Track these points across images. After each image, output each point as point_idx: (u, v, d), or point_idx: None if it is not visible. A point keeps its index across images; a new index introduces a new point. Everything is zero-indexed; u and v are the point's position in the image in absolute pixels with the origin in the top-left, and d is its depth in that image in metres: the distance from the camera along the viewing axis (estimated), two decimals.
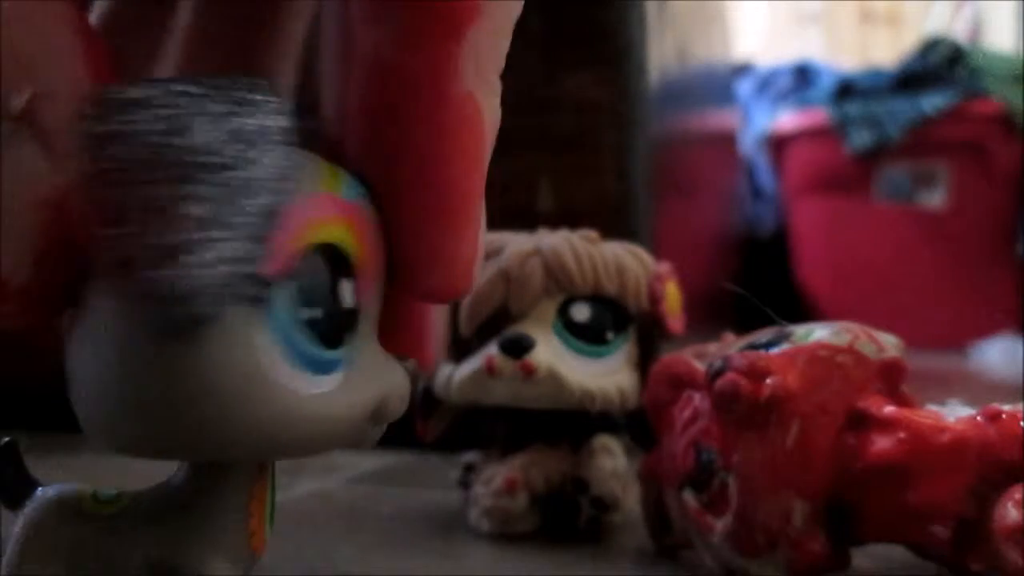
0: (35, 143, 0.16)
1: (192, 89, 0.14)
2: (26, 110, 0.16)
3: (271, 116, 0.15)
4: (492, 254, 0.32)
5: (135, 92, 0.14)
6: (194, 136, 0.14)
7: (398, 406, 0.17)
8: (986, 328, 1.09)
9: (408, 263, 0.17)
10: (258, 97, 0.14)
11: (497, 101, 0.17)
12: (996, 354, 1.02)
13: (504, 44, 0.17)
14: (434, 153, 0.16)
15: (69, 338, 0.16)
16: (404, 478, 0.42)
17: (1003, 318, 1.10)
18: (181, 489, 0.17)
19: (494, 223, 0.33)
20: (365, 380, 0.16)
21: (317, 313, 0.15)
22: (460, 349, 0.32)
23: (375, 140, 0.17)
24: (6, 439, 0.20)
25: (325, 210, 0.16)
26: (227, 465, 0.17)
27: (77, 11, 0.17)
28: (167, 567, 0.17)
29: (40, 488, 0.19)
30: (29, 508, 0.18)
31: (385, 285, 0.17)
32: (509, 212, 0.47)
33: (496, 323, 0.31)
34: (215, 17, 0.20)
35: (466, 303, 0.32)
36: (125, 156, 0.14)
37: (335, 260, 0.16)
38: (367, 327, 0.17)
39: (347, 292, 0.16)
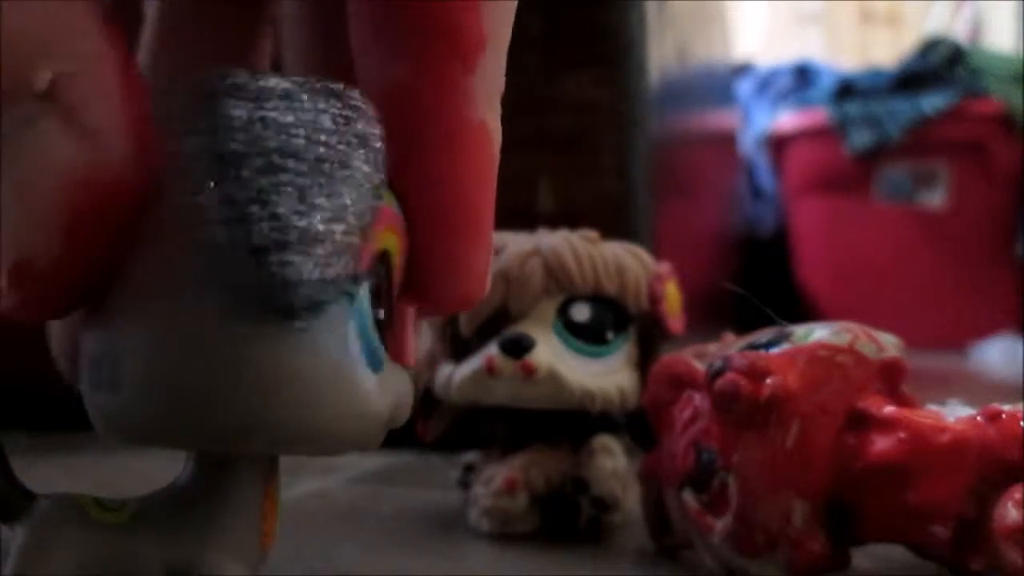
0: (60, 122, 0.15)
1: (323, 90, 0.15)
2: (49, 89, 0.16)
3: (375, 124, 0.15)
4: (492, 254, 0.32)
5: (283, 84, 0.14)
6: (327, 133, 0.14)
7: (408, 408, 0.18)
8: (986, 328, 1.10)
9: (424, 275, 0.18)
10: (367, 106, 0.15)
11: (499, 121, 0.18)
12: (996, 354, 1.02)
13: (503, 69, 0.18)
14: (452, 176, 0.17)
15: (110, 320, 0.15)
16: (404, 478, 0.42)
17: (1003, 318, 1.10)
18: (192, 491, 0.17)
19: (495, 223, 0.33)
20: (389, 383, 0.17)
21: (388, 314, 0.16)
22: (460, 349, 0.32)
23: (392, 162, 0.17)
24: None
25: (387, 219, 0.16)
26: (239, 466, 0.17)
27: None
28: (184, 570, 0.17)
29: (39, 499, 0.18)
30: (32, 520, 0.17)
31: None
32: (509, 212, 0.47)
33: (496, 323, 0.31)
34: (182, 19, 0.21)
35: None
36: (274, 144, 0.14)
37: (391, 266, 0.17)
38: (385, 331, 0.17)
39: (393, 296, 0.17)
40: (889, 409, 0.24)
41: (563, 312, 0.31)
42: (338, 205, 0.14)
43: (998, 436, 0.22)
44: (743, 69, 1.40)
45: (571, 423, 0.32)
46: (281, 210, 0.14)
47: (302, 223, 0.14)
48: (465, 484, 0.34)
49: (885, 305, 1.14)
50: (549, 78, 0.47)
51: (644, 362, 0.32)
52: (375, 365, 0.16)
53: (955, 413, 0.24)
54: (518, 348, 0.30)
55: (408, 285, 0.18)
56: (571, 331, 0.31)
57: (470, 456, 0.34)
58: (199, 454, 0.17)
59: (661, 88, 0.54)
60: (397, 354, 0.18)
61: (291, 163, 0.14)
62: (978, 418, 0.23)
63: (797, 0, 1.91)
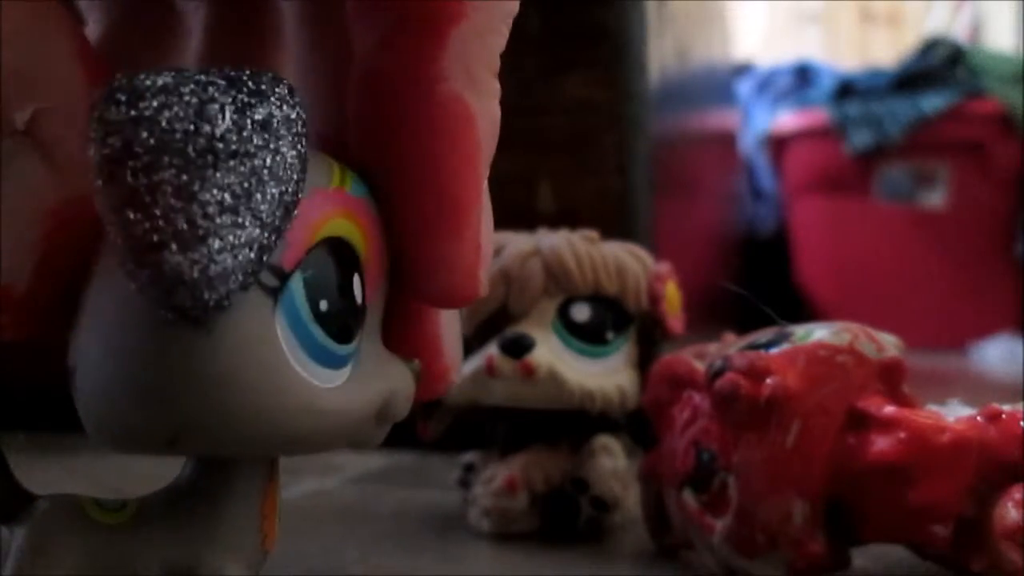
0: (37, 156, 0.16)
1: (218, 78, 0.14)
2: (28, 124, 0.16)
3: (291, 108, 0.15)
4: (492, 254, 0.32)
5: (162, 79, 0.14)
6: (221, 124, 0.14)
7: (403, 406, 0.17)
8: (986, 328, 1.10)
9: (409, 267, 0.17)
10: (279, 89, 0.15)
11: (494, 103, 0.17)
12: (996, 354, 1.02)
13: (496, 44, 0.17)
14: (424, 155, 0.17)
15: (74, 336, 0.15)
16: (404, 478, 0.42)
17: (1003, 318, 1.10)
18: (192, 492, 0.17)
19: (495, 223, 0.33)
20: (371, 378, 0.16)
21: (330, 307, 0.15)
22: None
23: (368, 143, 0.17)
24: None
25: (336, 204, 0.16)
26: (239, 466, 0.17)
27: (73, 25, 0.17)
28: (184, 571, 0.17)
29: (38, 499, 0.18)
30: (31, 521, 0.17)
31: (390, 289, 0.17)
32: (509, 212, 0.47)
33: (496, 323, 0.31)
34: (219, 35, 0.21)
35: None
36: (151, 141, 0.13)
37: (345, 255, 0.16)
38: (373, 325, 0.17)
39: (358, 288, 0.16)
40: (889, 409, 0.24)
41: (563, 312, 0.31)
42: (227, 198, 0.14)
43: (998, 436, 0.23)
44: (743, 69, 1.40)
45: (571, 423, 0.32)
46: (157, 210, 0.13)
47: (180, 222, 0.13)
48: (465, 484, 0.34)
49: (885, 305, 1.15)
50: (549, 78, 0.47)
51: (644, 362, 0.32)
52: (327, 360, 0.15)
53: (955, 413, 0.24)
54: (518, 348, 0.30)
55: (397, 279, 0.17)
56: (571, 331, 0.31)
57: (470, 456, 0.34)
58: (200, 457, 0.17)
59: (661, 88, 0.54)
60: (413, 350, 0.18)
61: (166, 159, 0.13)
62: (978, 418, 0.23)
63: (797, 0, 1.91)
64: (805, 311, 1.23)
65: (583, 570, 0.29)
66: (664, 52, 0.56)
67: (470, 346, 0.32)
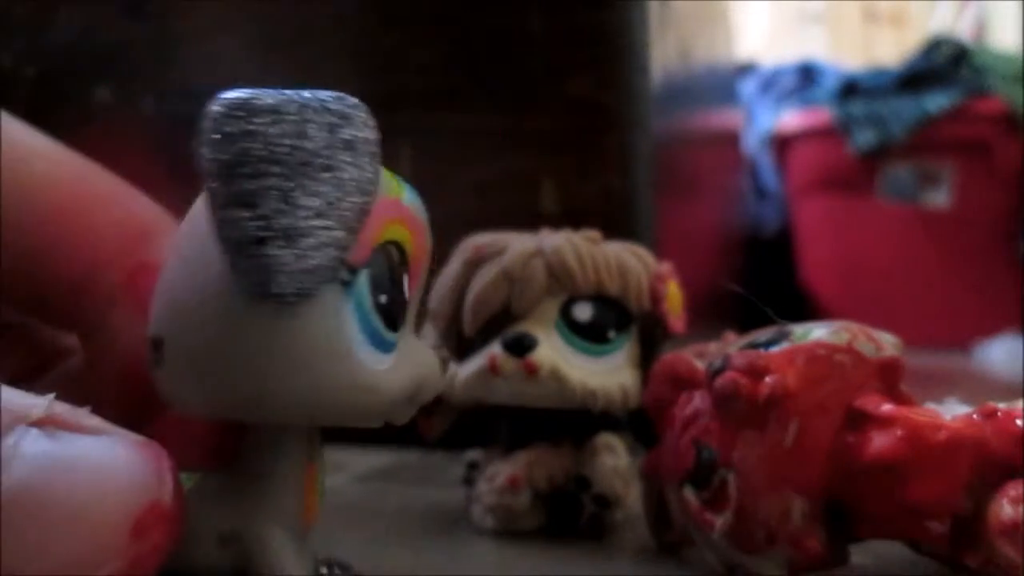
0: (134, 309, 0.19)
1: (312, 102, 0.17)
2: (128, 281, 0.20)
3: (370, 130, 0.17)
4: (495, 254, 0.32)
5: (271, 99, 0.17)
6: (316, 141, 0.17)
7: (433, 389, 0.20)
8: (990, 327, 1.09)
9: None
10: (361, 114, 0.17)
11: None
12: (999, 353, 1.02)
13: None
14: None
15: (155, 312, 0.18)
16: (408, 476, 0.42)
17: (1007, 317, 1.10)
18: (242, 466, 0.19)
19: (496, 223, 0.34)
20: (408, 362, 0.19)
21: (386, 299, 0.18)
22: (463, 348, 0.32)
23: None
24: None
25: (395, 212, 0.18)
26: (282, 442, 0.19)
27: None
28: (233, 536, 0.19)
29: None
30: None
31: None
32: (511, 212, 0.48)
33: (499, 322, 0.32)
34: None
35: (469, 303, 0.32)
36: (262, 152, 0.16)
37: (398, 256, 0.19)
38: (409, 317, 0.19)
39: (406, 284, 0.19)
40: (887, 407, 0.24)
41: (565, 311, 0.32)
42: (321, 204, 0.17)
43: (994, 433, 0.23)
44: (747, 68, 1.40)
45: (573, 421, 0.33)
46: (265, 211, 0.16)
47: (284, 221, 0.16)
48: (468, 482, 0.34)
49: (889, 304, 1.15)
50: (551, 78, 0.48)
51: (646, 361, 0.32)
52: (380, 345, 0.18)
53: (952, 411, 0.24)
54: (521, 347, 0.31)
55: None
56: (573, 330, 0.32)
57: (473, 454, 0.35)
58: (250, 434, 0.19)
59: (664, 88, 0.55)
60: None
61: (275, 169, 0.16)
62: (975, 416, 0.23)
63: None
64: (809, 310, 1.23)
65: (585, 566, 0.29)
66: (667, 52, 0.57)
67: (473, 345, 0.32)
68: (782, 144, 1.34)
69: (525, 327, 0.31)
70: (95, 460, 0.15)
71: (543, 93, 0.47)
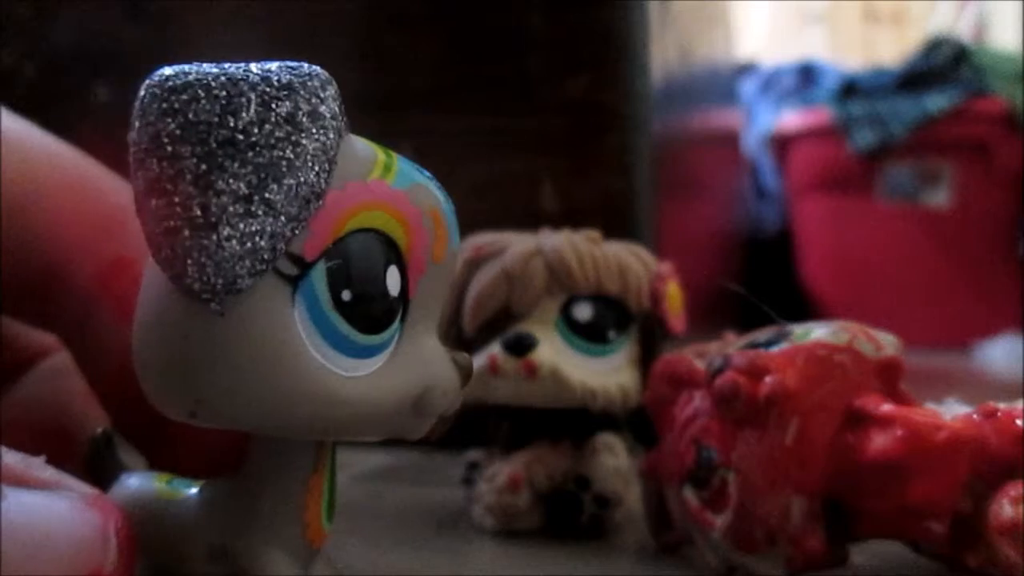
0: (114, 307, 0.18)
1: (251, 73, 0.15)
2: (103, 275, 0.18)
3: (321, 102, 0.15)
4: (495, 254, 0.32)
5: (195, 74, 0.15)
6: (244, 117, 0.15)
7: (442, 399, 0.17)
8: (990, 327, 1.10)
9: None
10: (312, 83, 0.15)
11: None
12: (999, 353, 1.02)
13: None
14: None
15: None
16: (408, 475, 0.42)
17: (1006, 317, 1.10)
18: (243, 479, 0.18)
19: (496, 223, 0.34)
20: (407, 370, 0.17)
21: (354, 297, 0.16)
22: (463, 348, 0.32)
23: None
24: (103, 428, 0.21)
25: (372, 196, 0.16)
26: (286, 457, 0.17)
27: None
28: (226, 553, 0.17)
29: (124, 474, 0.20)
30: (111, 492, 0.19)
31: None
32: (512, 212, 0.47)
33: (499, 322, 0.32)
34: None
35: (469, 302, 0.32)
36: (177, 132, 0.14)
37: (381, 247, 0.16)
38: (419, 318, 0.17)
39: (393, 280, 0.16)
40: (886, 407, 0.24)
41: (565, 311, 0.32)
42: (243, 188, 0.15)
43: (994, 433, 0.23)
44: (747, 68, 1.40)
45: (573, 421, 0.33)
46: (176, 197, 0.14)
47: (194, 208, 0.14)
48: (468, 481, 0.34)
49: (889, 304, 1.15)
50: (551, 78, 0.48)
51: (645, 361, 0.32)
52: (348, 349, 0.16)
53: (952, 411, 0.24)
54: (521, 347, 0.31)
55: None
56: (573, 330, 0.32)
57: (473, 454, 0.35)
58: (253, 442, 0.18)
59: (664, 88, 0.55)
60: None
61: (188, 149, 0.14)
62: (974, 416, 0.23)
63: None
64: (809, 310, 1.23)
65: (585, 566, 0.29)
66: (667, 52, 0.57)
67: (473, 345, 0.32)
68: (782, 144, 1.34)
69: (525, 327, 0.31)
70: (35, 522, 0.14)
71: (543, 93, 0.47)
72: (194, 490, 0.18)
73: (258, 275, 0.15)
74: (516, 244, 0.32)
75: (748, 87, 1.39)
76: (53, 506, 0.14)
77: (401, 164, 0.17)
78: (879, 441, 0.24)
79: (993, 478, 0.23)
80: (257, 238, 0.15)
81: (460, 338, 0.32)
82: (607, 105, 0.47)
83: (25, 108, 0.21)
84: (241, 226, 0.14)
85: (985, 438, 0.23)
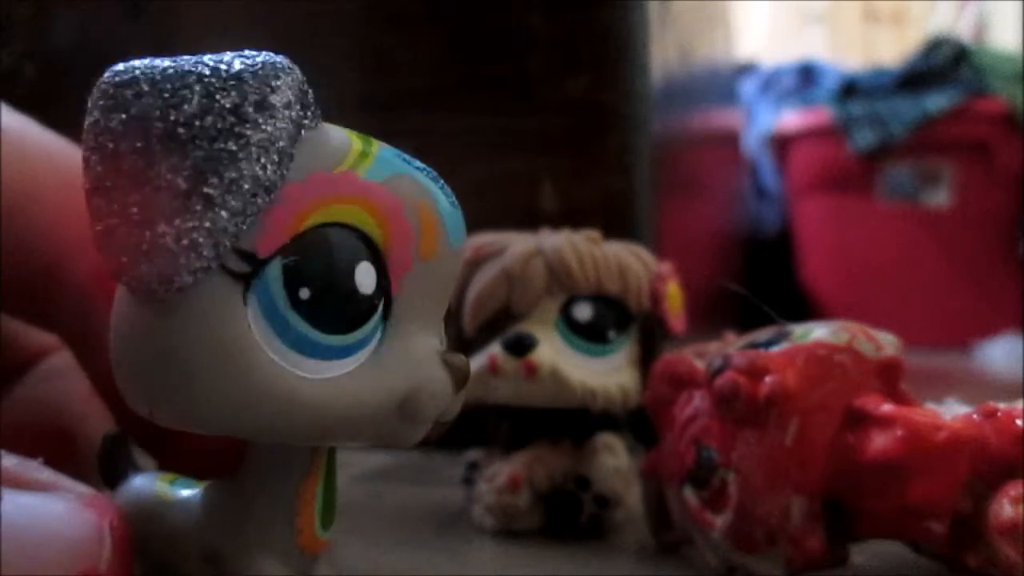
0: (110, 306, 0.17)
1: (202, 66, 0.14)
2: (99, 273, 0.19)
3: (273, 92, 0.15)
4: (495, 254, 0.32)
5: (142, 69, 0.14)
6: (186, 110, 0.14)
7: (431, 403, 0.16)
8: (990, 327, 1.10)
9: None
10: (263, 72, 0.15)
11: None
12: (999, 353, 1.02)
13: None
14: None
15: None
16: (408, 475, 0.42)
17: (1006, 317, 1.10)
18: (238, 482, 0.17)
19: (496, 223, 0.34)
20: (389, 372, 0.16)
21: (314, 295, 0.15)
22: (463, 348, 0.32)
23: None
24: (115, 430, 0.21)
25: (339, 189, 0.15)
26: (278, 461, 0.17)
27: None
28: (218, 558, 0.17)
29: (132, 474, 0.20)
30: (117, 492, 0.19)
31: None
32: (512, 212, 0.47)
33: (499, 322, 0.32)
34: None
35: (469, 302, 0.32)
36: (119, 128, 0.14)
37: (351, 242, 0.15)
38: (407, 317, 0.16)
39: (366, 277, 0.16)
40: (886, 407, 0.24)
41: (565, 311, 0.32)
42: (182, 181, 0.14)
43: (994, 433, 0.23)
44: (747, 68, 1.41)
45: (573, 421, 0.33)
46: (115, 194, 0.14)
47: (131, 206, 0.14)
48: (468, 481, 0.34)
49: (889, 304, 1.14)
50: (551, 78, 0.48)
51: (645, 361, 0.32)
52: (309, 350, 0.15)
53: (952, 411, 0.24)
54: (521, 347, 0.31)
55: None
56: (573, 330, 0.32)
57: (473, 454, 0.35)
58: (247, 446, 0.17)
59: (664, 88, 0.55)
60: None
61: (126, 145, 0.14)
62: (974, 416, 0.23)
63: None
64: (809, 310, 1.23)
65: (585, 566, 0.29)
66: (667, 52, 0.57)
67: (473, 345, 0.32)
68: (782, 144, 1.34)
69: (525, 327, 0.31)
70: (31, 523, 0.14)
71: (543, 93, 0.47)
72: (195, 491, 0.18)
73: (199, 272, 0.14)
74: (516, 244, 0.32)
75: (748, 87, 1.39)
76: (48, 507, 0.14)
77: (382, 154, 0.16)
78: (879, 441, 0.24)
79: (993, 478, 0.23)
80: (195, 234, 0.14)
81: (460, 338, 0.32)
82: (607, 105, 0.47)
83: (25, 108, 0.21)
84: (177, 222, 0.14)
85: (985, 438, 0.23)
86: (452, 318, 0.32)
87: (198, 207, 0.14)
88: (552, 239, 0.32)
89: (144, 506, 0.18)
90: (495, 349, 0.31)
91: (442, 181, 0.17)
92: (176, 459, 0.21)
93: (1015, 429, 0.23)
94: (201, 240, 0.14)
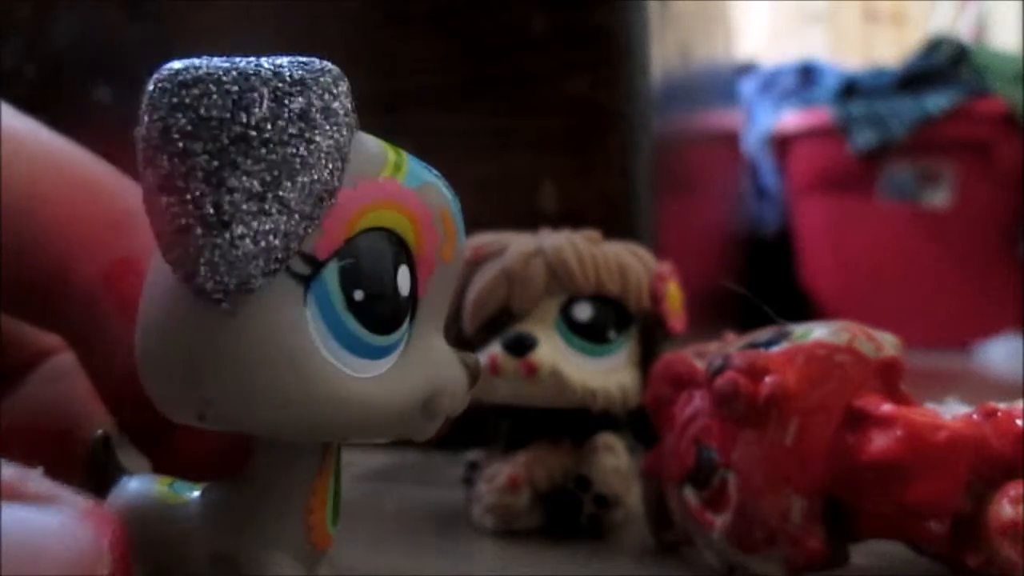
0: (117, 309, 0.17)
1: (263, 68, 0.15)
2: (107, 276, 0.18)
3: (333, 99, 0.15)
4: (495, 254, 0.32)
5: (206, 68, 0.14)
6: (256, 113, 0.14)
7: (450, 401, 0.17)
8: (990, 327, 1.10)
9: None
10: (323, 79, 0.15)
11: None
12: (1000, 353, 1.02)
13: None
14: None
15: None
16: (408, 476, 0.42)
17: (1007, 317, 1.10)
18: (246, 482, 0.17)
19: (496, 223, 0.34)
20: (416, 371, 0.16)
21: (367, 297, 0.16)
22: (463, 348, 0.32)
23: None
24: (101, 432, 0.20)
25: (384, 195, 0.16)
26: (289, 459, 0.17)
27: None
28: (228, 558, 0.17)
29: (125, 477, 0.19)
30: (111, 496, 0.19)
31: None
32: (512, 212, 0.47)
33: (499, 322, 0.32)
34: None
35: (469, 302, 0.32)
36: (188, 127, 0.14)
37: (393, 246, 0.16)
38: (428, 318, 0.17)
39: (404, 279, 0.16)
40: (886, 407, 0.24)
41: (565, 311, 0.32)
42: (257, 185, 0.14)
43: (994, 433, 0.23)
44: (747, 68, 1.40)
45: (573, 421, 0.33)
46: (187, 194, 0.14)
47: (206, 206, 0.14)
48: (468, 481, 0.34)
49: (889, 304, 1.15)
50: (551, 78, 0.48)
51: (645, 361, 0.32)
52: (360, 350, 0.16)
53: (952, 411, 0.24)
54: (521, 347, 0.31)
55: None
56: (573, 330, 0.32)
57: (473, 454, 0.35)
58: (256, 445, 0.17)
59: (664, 88, 0.55)
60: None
61: (199, 145, 0.14)
62: (974, 416, 0.23)
63: None
64: (809, 310, 1.23)
65: (585, 566, 0.29)
66: (667, 52, 0.57)
67: (473, 345, 0.32)
68: (782, 144, 1.34)
69: (525, 327, 0.31)
70: (28, 535, 0.13)
71: (543, 93, 0.47)
72: (196, 493, 0.18)
73: (271, 274, 0.14)
74: (516, 244, 0.32)
75: (748, 87, 1.39)
76: (46, 521, 0.14)
77: (411, 163, 0.17)
78: (879, 441, 0.24)
79: (993, 478, 0.23)
80: (271, 237, 0.14)
81: (460, 338, 0.32)
82: (607, 105, 0.47)
83: (25, 108, 0.21)
84: (254, 224, 0.14)
85: (985, 438, 0.23)
86: (453, 318, 0.32)
87: (273, 210, 0.14)
88: (552, 239, 0.32)
89: (144, 510, 0.18)
90: (495, 349, 0.31)
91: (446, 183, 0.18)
92: (172, 460, 0.20)
93: (1015, 429, 0.23)
94: (276, 243, 0.14)
